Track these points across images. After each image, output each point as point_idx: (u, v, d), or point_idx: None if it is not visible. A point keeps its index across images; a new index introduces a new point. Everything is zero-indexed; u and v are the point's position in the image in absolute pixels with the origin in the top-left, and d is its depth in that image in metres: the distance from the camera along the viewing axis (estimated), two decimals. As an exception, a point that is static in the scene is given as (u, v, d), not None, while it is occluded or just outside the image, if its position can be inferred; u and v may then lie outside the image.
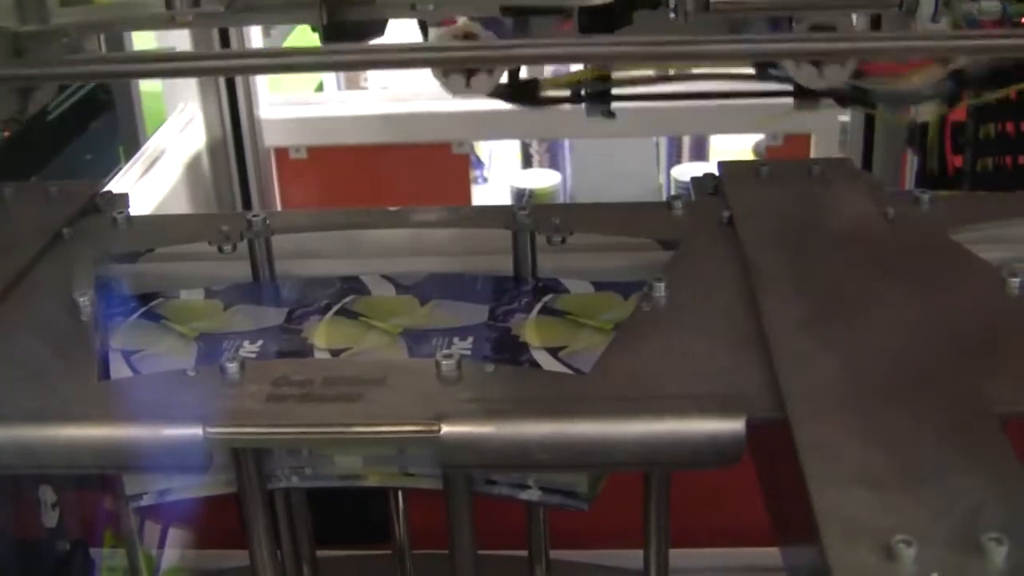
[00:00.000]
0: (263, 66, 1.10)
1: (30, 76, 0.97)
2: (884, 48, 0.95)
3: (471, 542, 0.79)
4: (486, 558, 0.82)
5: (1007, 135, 1.92)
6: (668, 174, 2.76)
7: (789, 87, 1.09)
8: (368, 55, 0.98)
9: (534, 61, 1.05)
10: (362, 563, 1.20)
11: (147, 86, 2.27)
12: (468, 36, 1.06)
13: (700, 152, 2.81)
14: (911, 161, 2.18)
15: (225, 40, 2.06)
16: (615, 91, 1.23)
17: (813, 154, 2.30)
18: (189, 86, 2.06)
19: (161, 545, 1.09)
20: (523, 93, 1.24)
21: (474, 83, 1.07)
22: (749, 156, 2.61)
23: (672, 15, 0.98)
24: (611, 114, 1.24)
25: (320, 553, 1.02)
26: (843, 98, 1.17)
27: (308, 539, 0.99)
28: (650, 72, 1.24)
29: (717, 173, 0.98)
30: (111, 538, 1.06)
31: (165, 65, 0.98)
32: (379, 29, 1.11)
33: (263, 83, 2.18)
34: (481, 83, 1.06)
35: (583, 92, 1.24)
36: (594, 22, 1.02)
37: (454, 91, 1.07)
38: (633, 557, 0.88)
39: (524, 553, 0.99)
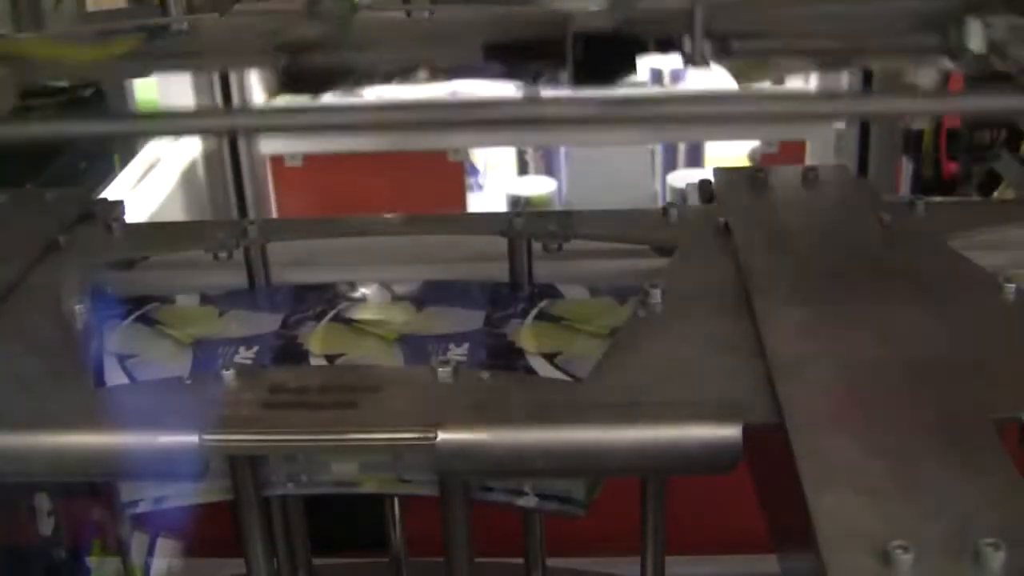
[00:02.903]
0: (261, 125, 1.08)
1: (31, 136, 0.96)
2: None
3: (468, 549, 0.79)
4: (483, 565, 0.82)
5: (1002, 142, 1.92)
6: (664, 181, 2.76)
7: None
8: (363, 114, 0.93)
9: (516, 121, 0.98)
10: (358, 570, 1.20)
11: (143, 93, 2.27)
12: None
13: (695, 159, 2.82)
14: (906, 168, 2.19)
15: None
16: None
17: (808, 161, 2.30)
18: (185, 93, 2.06)
19: (150, 554, 1.09)
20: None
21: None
22: (745, 163, 2.61)
23: (684, 59, 0.92)
24: None
25: (316, 560, 1.01)
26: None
27: (304, 546, 0.99)
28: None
29: (712, 180, 0.98)
30: (99, 548, 1.06)
31: (165, 123, 0.97)
32: (345, 78, 1.04)
33: (259, 90, 2.18)
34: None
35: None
36: (591, 68, 0.94)
37: None
38: (630, 563, 0.88)
39: (521, 560, 0.98)
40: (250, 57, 1.04)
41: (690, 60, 0.92)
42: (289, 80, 0.99)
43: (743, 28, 0.94)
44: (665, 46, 0.96)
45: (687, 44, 0.93)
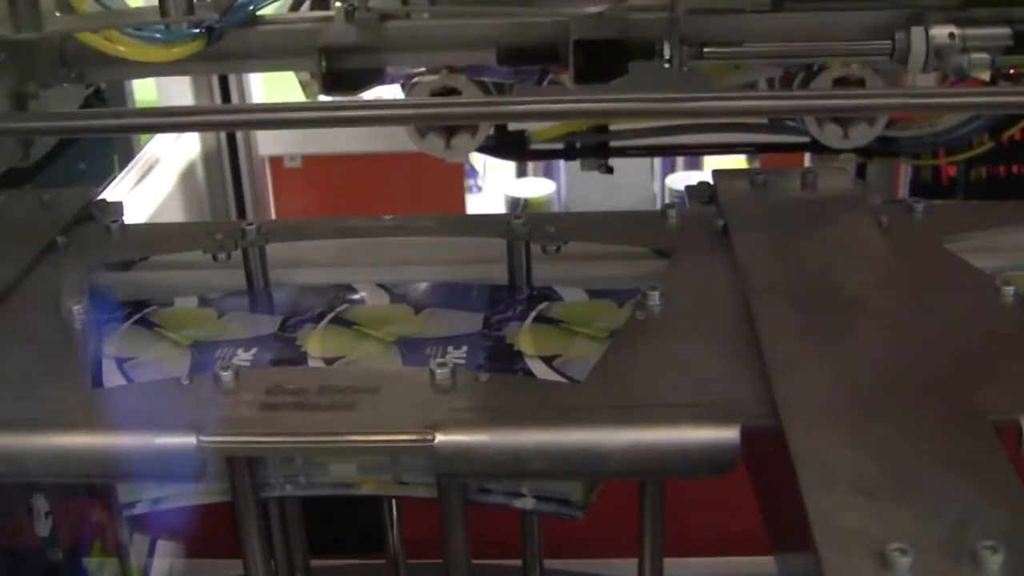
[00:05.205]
0: (260, 121, 1.15)
1: (33, 129, 1.00)
2: (880, 105, 1.00)
3: (465, 551, 0.79)
4: (481, 567, 0.82)
5: (999, 144, 1.92)
6: (663, 183, 2.76)
7: (805, 139, 1.14)
8: (360, 111, 1.02)
9: (525, 117, 1.11)
10: (356, 572, 1.20)
11: (142, 94, 2.27)
12: (449, 92, 1.08)
13: (694, 161, 2.81)
14: (905, 170, 2.19)
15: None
16: (612, 143, 1.24)
17: (807, 163, 2.30)
18: (184, 94, 2.06)
19: (150, 554, 1.09)
20: (511, 147, 1.25)
21: (455, 143, 1.09)
22: (743, 165, 2.61)
23: (666, 65, 1.02)
24: (609, 169, 1.26)
25: (314, 562, 1.01)
26: (867, 152, 1.21)
27: (302, 548, 0.99)
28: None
29: (712, 182, 0.98)
30: (98, 549, 1.06)
31: (166, 120, 1.01)
32: (377, 78, 1.11)
33: (257, 91, 2.18)
34: (463, 144, 1.09)
35: (577, 145, 1.25)
36: (590, 71, 1.04)
37: (434, 152, 1.08)
38: (627, 566, 0.88)
39: (518, 562, 0.99)
40: (293, 60, 1.10)
41: (670, 63, 1.03)
42: (330, 81, 1.06)
43: (716, 37, 1.05)
44: (649, 52, 1.06)
45: (667, 50, 1.04)
